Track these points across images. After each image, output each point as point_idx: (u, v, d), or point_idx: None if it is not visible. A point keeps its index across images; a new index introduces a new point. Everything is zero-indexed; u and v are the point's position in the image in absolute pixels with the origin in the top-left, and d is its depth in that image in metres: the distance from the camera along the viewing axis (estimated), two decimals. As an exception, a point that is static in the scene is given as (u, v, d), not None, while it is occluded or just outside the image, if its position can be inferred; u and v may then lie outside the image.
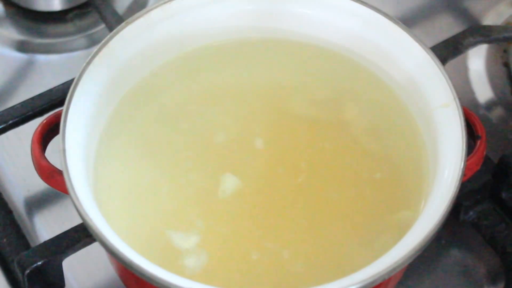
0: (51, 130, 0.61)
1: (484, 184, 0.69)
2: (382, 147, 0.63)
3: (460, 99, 0.59)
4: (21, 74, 0.81)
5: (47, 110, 0.72)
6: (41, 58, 0.82)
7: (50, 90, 0.73)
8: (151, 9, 0.64)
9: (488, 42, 0.77)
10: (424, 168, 0.61)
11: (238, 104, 0.65)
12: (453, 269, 0.68)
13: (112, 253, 0.53)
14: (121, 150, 0.62)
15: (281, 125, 0.64)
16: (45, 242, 0.64)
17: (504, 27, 0.78)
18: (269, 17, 0.66)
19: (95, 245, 0.58)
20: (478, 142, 0.60)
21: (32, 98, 0.72)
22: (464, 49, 0.76)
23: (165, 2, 0.64)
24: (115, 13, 0.80)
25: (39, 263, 0.63)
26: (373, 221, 0.59)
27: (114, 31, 0.63)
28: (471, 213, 0.69)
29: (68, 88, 0.59)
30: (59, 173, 0.57)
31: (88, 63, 0.61)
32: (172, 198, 0.61)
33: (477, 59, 0.81)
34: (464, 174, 0.55)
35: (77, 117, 0.59)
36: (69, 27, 0.85)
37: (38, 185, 0.70)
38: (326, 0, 0.65)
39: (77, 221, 0.62)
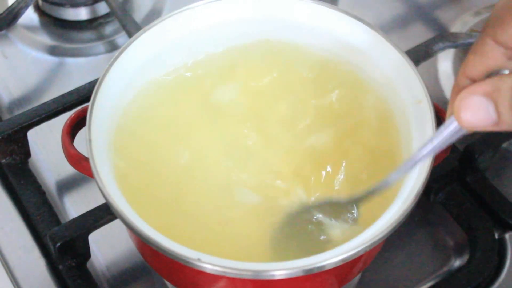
0: (78, 123, 0.61)
1: (452, 169, 0.69)
2: (362, 136, 0.63)
3: (431, 96, 0.59)
4: (53, 74, 0.81)
5: (75, 106, 0.72)
6: (70, 60, 0.82)
7: (78, 88, 0.72)
8: (165, 18, 0.64)
9: (455, 47, 0.77)
10: (398, 155, 0.60)
11: (242, 97, 0.65)
12: (425, 243, 0.68)
13: (131, 229, 0.53)
14: (139, 138, 0.62)
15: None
16: (73, 219, 0.64)
17: (469, 34, 0.78)
18: (265, 24, 0.66)
19: (117, 222, 0.58)
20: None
21: (62, 95, 0.72)
22: (434, 53, 0.76)
23: (176, 13, 0.64)
24: (134, 21, 0.79)
25: (68, 237, 0.63)
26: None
27: (133, 37, 0.62)
28: (440, 194, 0.69)
29: (93, 86, 0.59)
30: (86, 160, 0.57)
31: (111, 65, 0.61)
32: (186, 181, 0.60)
33: (445, 62, 0.81)
34: (434, 160, 0.55)
35: (101, 111, 0.58)
36: (94, 34, 0.84)
37: (67, 170, 0.70)
38: (315, 10, 0.65)
39: (101, 201, 0.62)
